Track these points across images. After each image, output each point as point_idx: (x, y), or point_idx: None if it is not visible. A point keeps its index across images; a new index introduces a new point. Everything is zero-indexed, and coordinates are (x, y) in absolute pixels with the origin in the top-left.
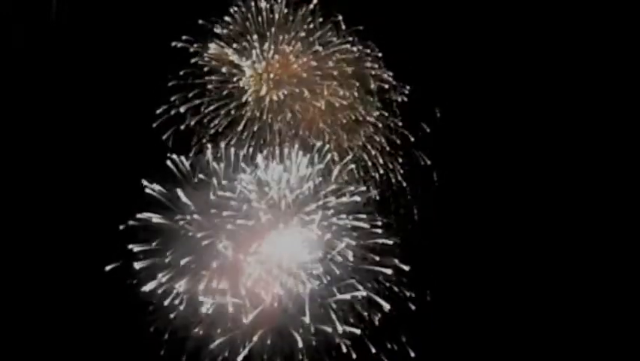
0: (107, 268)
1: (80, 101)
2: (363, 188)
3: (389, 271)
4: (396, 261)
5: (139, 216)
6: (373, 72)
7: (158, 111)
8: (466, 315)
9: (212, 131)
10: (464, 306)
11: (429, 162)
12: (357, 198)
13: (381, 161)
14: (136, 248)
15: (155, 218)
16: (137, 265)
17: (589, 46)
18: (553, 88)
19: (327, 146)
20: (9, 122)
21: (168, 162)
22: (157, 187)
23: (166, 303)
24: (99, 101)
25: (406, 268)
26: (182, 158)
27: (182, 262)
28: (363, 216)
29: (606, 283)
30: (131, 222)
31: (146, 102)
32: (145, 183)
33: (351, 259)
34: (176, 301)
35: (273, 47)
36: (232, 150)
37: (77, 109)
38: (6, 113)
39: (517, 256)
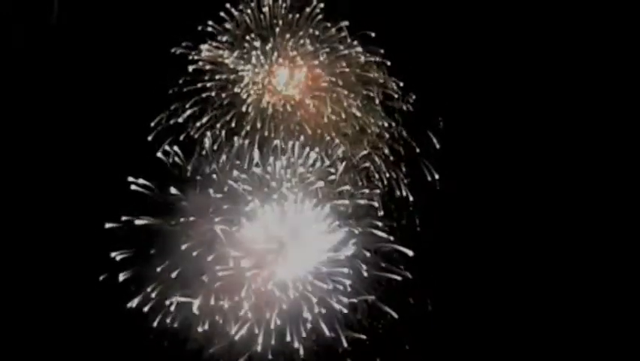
0: (101, 277)
1: (78, 104)
2: (368, 191)
3: (398, 278)
4: (401, 268)
5: (124, 218)
6: (380, 80)
7: (152, 123)
8: (467, 324)
9: (208, 143)
10: (465, 315)
11: (436, 176)
12: (362, 202)
13: (385, 170)
14: (120, 256)
15: (141, 220)
16: (121, 276)
17: (591, 55)
18: (558, 98)
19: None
20: (8, 122)
21: (159, 154)
22: (143, 182)
23: (155, 324)
24: (96, 104)
25: (409, 275)
26: (176, 148)
27: (174, 274)
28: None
29: (608, 297)
30: (114, 225)
31: (143, 108)
32: (131, 179)
33: (361, 266)
34: (168, 320)
35: (275, 52)
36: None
37: (75, 112)
38: (5, 113)
39: (520, 264)
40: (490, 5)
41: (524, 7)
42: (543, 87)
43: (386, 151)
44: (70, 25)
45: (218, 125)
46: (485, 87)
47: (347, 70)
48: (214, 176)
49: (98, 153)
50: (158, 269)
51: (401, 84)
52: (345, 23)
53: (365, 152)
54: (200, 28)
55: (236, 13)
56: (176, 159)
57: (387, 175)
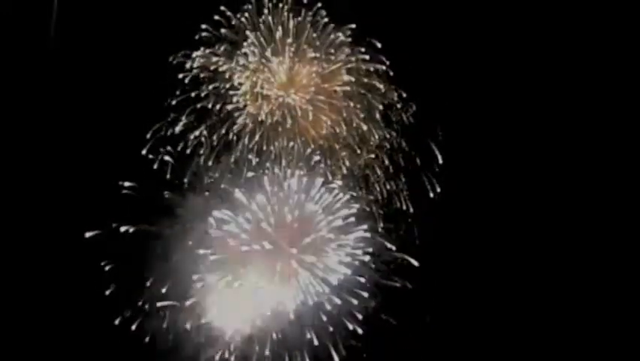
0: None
1: (76, 112)
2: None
3: (397, 285)
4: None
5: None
6: (382, 90)
7: (148, 135)
8: (466, 337)
9: (202, 159)
10: (464, 328)
11: (437, 188)
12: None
13: (384, 181)
14: (109, 266)
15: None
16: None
17: (593, 67)
18: (560, 109)
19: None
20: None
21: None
22: (135, 186)
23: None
24: (94, 113)
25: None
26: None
27: (164, 289)
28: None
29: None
30: (108, 232)
31: (141, 117)
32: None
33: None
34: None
35: (274, 59)
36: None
37: (75, 120)
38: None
39: (519, 277)
40: (493, 14)
41: (527, 19)
42: (545, 99)
43: (386, 162)
44: (69, 28)
45: (215, 137)
46: (486, 97)
47: (347, 78)
48: (210, 182)
49: (96, 160)
50: (148, 283)
51: (404, 95)
52: (348, 31)
53: (365, 158)
54: (197, 37)
55: (234, 20)
56: (170, 160)
57: (388, 187)
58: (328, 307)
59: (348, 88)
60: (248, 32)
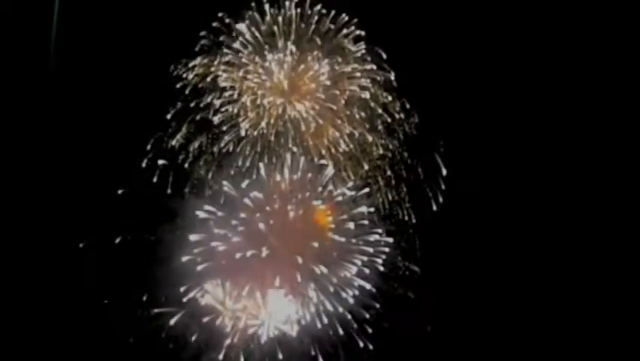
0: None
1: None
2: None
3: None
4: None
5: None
6: (387, 100)
7: (148, 147)
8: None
9: (202, 171)
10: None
11: (440, 199)
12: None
13: (386, 192)
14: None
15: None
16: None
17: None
18: (562, 123)
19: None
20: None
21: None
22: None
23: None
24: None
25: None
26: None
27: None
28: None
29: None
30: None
31: (141, 127)
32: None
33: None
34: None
35: (277, 68)
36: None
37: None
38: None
39: (519, 293)
40: (497, 25)
41: (530, 32)
42: (549, 112)
43: (388, 172)
44: (69, 38)
45: (215, 148)
46: (489, 109)
47: (351, 89)
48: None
49: (97, 171)
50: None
51: (407, 105)
52: (351, 39)
53: (367, 169)
54: (197, 48)
55: (234, 30)
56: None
57: (390, 197)
58: (341, 331)
59: (352, 96)
60: (249, 40)
